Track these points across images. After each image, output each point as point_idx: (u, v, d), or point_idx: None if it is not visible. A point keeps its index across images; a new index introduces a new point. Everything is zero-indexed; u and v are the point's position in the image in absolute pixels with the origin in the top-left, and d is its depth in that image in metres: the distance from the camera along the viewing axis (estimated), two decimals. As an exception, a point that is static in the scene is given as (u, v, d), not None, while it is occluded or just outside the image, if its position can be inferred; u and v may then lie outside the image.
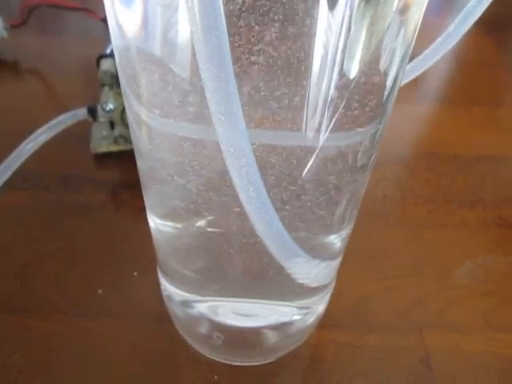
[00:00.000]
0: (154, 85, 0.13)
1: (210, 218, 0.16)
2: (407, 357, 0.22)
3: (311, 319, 0.21)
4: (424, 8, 0.12)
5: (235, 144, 0.11)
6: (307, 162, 0.13)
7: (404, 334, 0.23)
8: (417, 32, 0.13)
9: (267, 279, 0.17)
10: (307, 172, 0.14)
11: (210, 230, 0.17)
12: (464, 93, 0.43)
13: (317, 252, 0.17)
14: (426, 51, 0.18)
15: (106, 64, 0.27)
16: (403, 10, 0.11)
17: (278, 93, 0.12)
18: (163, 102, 0.13)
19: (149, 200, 0.18)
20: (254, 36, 0.10)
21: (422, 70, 0.19)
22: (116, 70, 0.27)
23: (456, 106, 0.41)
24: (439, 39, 0.18)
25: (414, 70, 0.19)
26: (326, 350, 0.22)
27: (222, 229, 0.16)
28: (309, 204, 0.15)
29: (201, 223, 0.16)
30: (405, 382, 0.21)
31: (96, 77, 0.31)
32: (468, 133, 0.38)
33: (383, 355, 0.22)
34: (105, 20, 0.37)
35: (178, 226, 0.17)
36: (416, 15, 0.12)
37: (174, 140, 0.14)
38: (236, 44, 0.10)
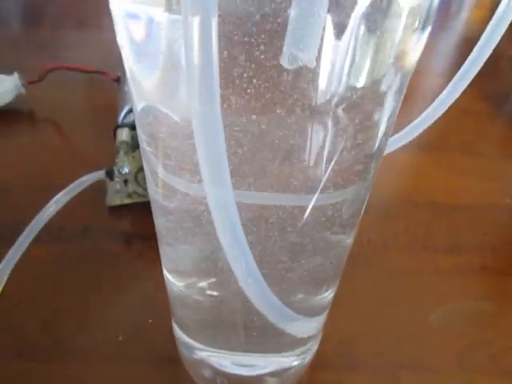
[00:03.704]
0: (170, 144, 0.13)
1: (211, 280, 0.17)
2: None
3: (308, 358, 0.23)
4: (416, 59, 0.13)
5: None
6: (299, 224, 0.14)
7: (383, 373, 0.25)
8: (407, 84, 0.13)
9: (267, 336, 0.18)
10: (298, 235, 0.14)
11: (209, 292, 0.17)
12: (445, 140, 0.45)
13: (314, 310, 0.18)
14: (413, 123, 0.19)
15: (121, 135, 0.31)
16: (398, 59, 0.12)
17: (271, 154, 0.12)
18: (178, 162, 0.13)
19: (161, 253, 0.19)
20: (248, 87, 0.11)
21: (408, 140, 0.19)
22: (130, 138, 0.31)
23: (436, 152, 0.43)
24: (429, 109, 0.18)
25: (398, 141, 0.19)
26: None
27: (223, 292, 0.17)
28: (303, 267, 0.16)
29: (202, 284, 0.17)
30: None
31: (107, 130, 0.34)
32: (446, 180, 0.39)
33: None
34: (117, 80, 0.41)
35: (181, 283, 0.18)
36: (410, 66, 0.13)
37: (186, 198, 0.14)
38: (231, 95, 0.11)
